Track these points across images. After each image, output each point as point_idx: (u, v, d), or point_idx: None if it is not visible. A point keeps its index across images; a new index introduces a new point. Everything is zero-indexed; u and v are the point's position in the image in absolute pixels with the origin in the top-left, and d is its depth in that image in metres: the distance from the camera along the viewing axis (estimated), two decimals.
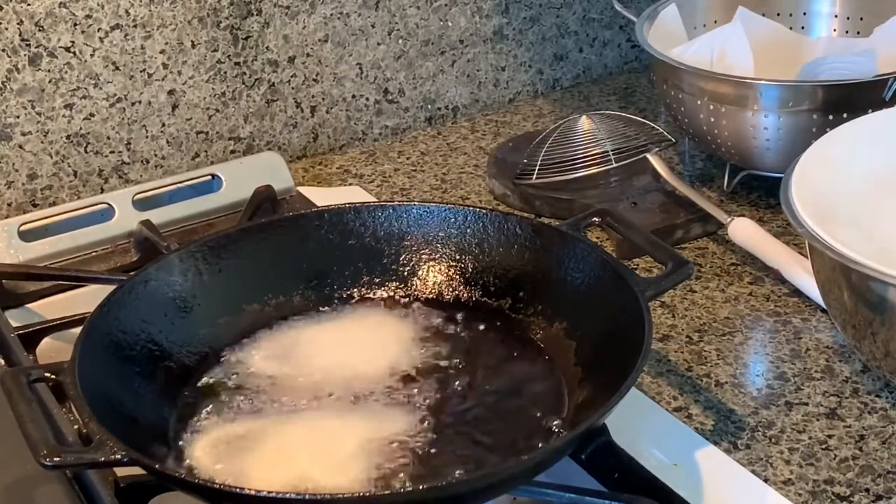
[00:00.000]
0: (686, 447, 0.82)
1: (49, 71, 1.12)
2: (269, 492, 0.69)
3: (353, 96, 1.29)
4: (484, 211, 0.92)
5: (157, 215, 1.10)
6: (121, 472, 0.75)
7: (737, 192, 1.14)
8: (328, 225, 0.93)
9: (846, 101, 1.02)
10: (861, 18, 1.21)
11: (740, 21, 1.19)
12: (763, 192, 1.13)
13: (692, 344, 0.94)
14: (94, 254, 1.09)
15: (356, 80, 1.29)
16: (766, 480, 0.79)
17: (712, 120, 1.08)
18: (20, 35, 1.10)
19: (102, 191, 1.18)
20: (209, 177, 1.16)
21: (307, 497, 0.69)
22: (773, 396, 0.87)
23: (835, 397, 0.87)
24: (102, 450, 0.70)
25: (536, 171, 1.14)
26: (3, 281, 1.02)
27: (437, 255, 0.93)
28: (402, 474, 0.74)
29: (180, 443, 0.78)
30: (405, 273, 0.93)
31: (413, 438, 0.77)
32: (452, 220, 0.92)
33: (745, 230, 1.03)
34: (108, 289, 0.85)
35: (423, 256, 0.93)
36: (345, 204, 0.95)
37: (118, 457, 0.69)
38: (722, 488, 0.79)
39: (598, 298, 0.84)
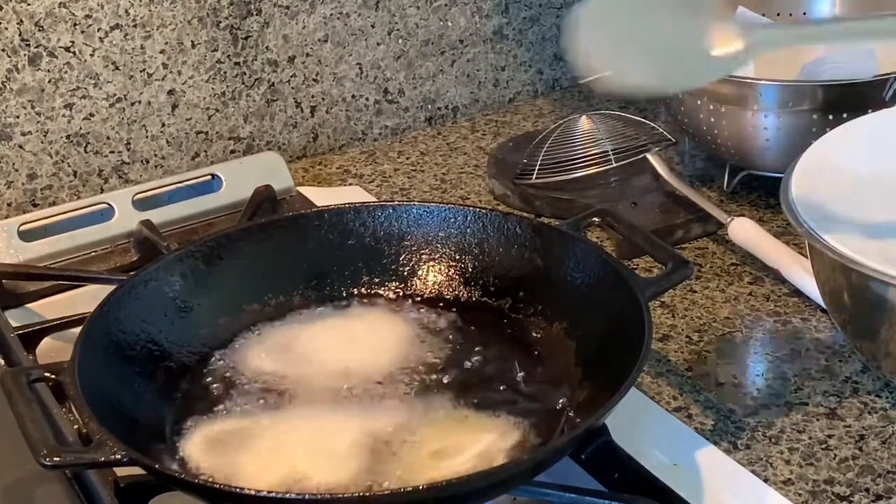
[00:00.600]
0: (686, 447, 0.82)
1: (49, 71, 1.12)
2: (268, 492, 0.69)
3: (353, 96, 1.29)
4: (484, 211, 0.92)
5: (157, 215, 1.10)
6: (121, 472, 0.75)
7: (737, 192, 1.14)
8: (328, 225, 0.93)
9: (846, 101, 1.02)
10: None
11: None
12: (763, 192, 1.13)
13: (692, 344, 0.94)
14: (93, 254, 1.08)
15: (356, 80, 1.29)
16: (766, 480, 0.79)
17: (712, 120, 1.08)
18: (20, 35, 1.10)
19: (102, 191, 1.18)
20: (209, 177, 1.16)
21: (307, 497, 0.69)
22: (773, 396, 0.88)
23: (835, 397, 0.87)
24: (102, 450, 0.70)
25: (536, 171, 1.14)
26: (3, 281, 1.02)
27: (437, 255, 0.93)
28: (398, 472, 0.74)
29: (176, 439, 0.78)
30: (405, 273, 0.93)
31: (410, 437, 0.77)
32: (452, 220, 0.92)
33: (745, 230, 1.03)
34: (108, 289, 0.85)
35: (423, 256, 0.93)
36: (345, 204, 0.95)
37: (118, 457, 0.69)
38: (722, 488, 0.79)
39: (598, 298, 0.84)
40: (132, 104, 1.17)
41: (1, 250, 1.05)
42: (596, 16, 0.79)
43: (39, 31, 1.11)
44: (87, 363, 0.77)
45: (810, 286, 0.94)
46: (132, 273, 0.90)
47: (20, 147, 1.14)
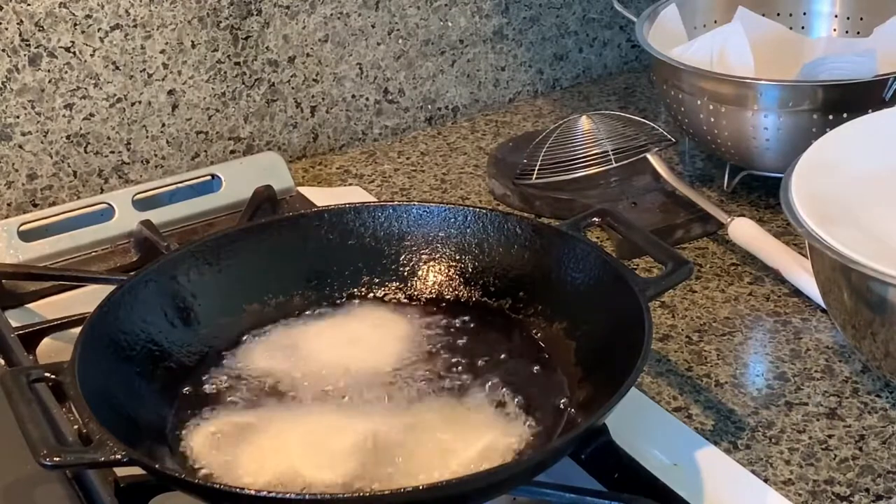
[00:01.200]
0: (686, 447, 0.82)
1: (49, 71, 1.12)
2: (268, 492, 0.69)
3: (353, 96, 1.29)
4: (484, 211, 0.92)
5: (157, 215, 1.10)
6: (121, 472, 0.75)
7: (737, 192, 1.14)
8: (328, 225, 0.93)
9: (846, 101, 1.02)
10: (861, 18, 1.21)
11: (740, 21, 1.19)
12: (763, 192, 1.13)
13: (692, 344, 0.94)
14: (93, 254, 1.08)
15: (356, 80, 1.29)
16: (766, 480, 0.79)
17: (712, 120, 1.08)
18: (20, 35, 1.10)
19: (102, 191, 1.18)
20: (209, 177, 1.16)
21: (307, 497, 0.69)
22: (773, 396, 0.87)
23: (835, 397, 0.87)
24: (102, 450, 0.70)
25: (536, 171, 1.14)
26: (3, 281, 1.02)
27: (437, 255, 0.93)
28: (397, 472, 0.74)
29: (176, 439, 0.78)
30: (405, 273, 0.93)
31: (410, 437, 0.77)
32: (452, 220, 0.92)
33: (745, 230, 1.03)
34: (108, 289, 0.85)
35: (423, 256, 0.93)
36: (345, 204, 0.95)
37: (118, 457, 0.69)
38: (722, 488, 0.79)
39: (598, 298, 0.84)
40: (132, 104, 1.17)
41: (1, 250, 1.05)
42: None
43: (39, 31, 1.11)
44: (87, 363, 0.77)
45: (810, 286, 0.94)
46: (132, 273, 0.90)
47: (20, 147, 1.14)
